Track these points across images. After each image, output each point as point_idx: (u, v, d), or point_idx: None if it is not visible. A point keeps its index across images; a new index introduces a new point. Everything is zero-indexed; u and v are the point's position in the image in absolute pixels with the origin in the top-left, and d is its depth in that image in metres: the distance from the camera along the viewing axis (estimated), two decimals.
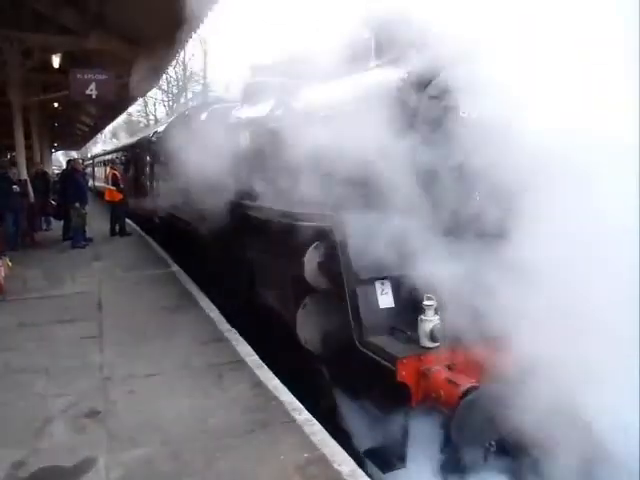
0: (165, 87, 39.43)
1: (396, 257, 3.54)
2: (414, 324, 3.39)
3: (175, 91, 40.70)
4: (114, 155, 22.47)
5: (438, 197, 3.76)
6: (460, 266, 3.35)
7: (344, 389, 4.18)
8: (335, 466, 3.25)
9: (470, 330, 3.19)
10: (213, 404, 4.17)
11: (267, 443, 3.56)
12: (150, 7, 10.13)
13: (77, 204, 12.20)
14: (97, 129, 37.23)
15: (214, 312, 6.60)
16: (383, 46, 4.58)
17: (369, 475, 3.29)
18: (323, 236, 4.06)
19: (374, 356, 3.40)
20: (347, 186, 4.11)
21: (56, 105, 19.85)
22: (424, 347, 3.32)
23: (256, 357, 5.04)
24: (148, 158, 13.17)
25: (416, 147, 3.67)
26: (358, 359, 3.55)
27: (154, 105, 43.66)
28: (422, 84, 3.82)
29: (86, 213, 12.82)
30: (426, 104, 3.80)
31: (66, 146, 46.65)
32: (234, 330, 5.83)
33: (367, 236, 3.65)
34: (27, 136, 15.62)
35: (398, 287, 3.66)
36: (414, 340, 3.38)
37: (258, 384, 4.45)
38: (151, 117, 43.56)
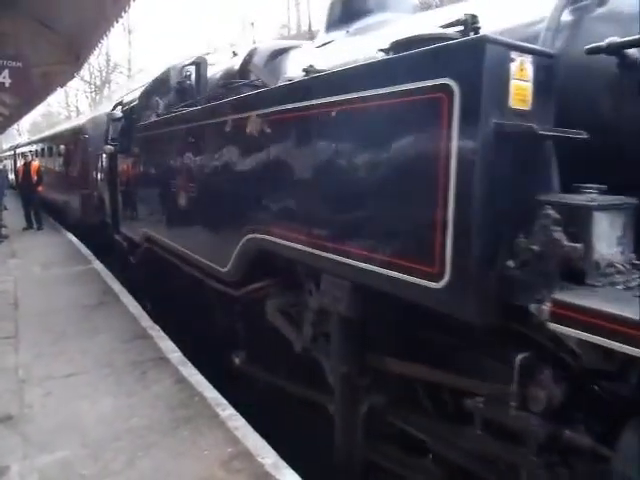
0: (87, 78, 38.04)
1: None
2: None
3: (98, 82, 39.33)
4: (44, 145, 20.27)
5: None
6: None
7: None
8: (259, 459, 3.26)
9: None
10: (136, 402, 4.09)
11: (191, 439, 3.54)
12: None
13: None
14: (13, 119, 35.37)
15: (137, 309, 6.47)
16: None
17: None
18: None
19: None
20: None
21: None
22: None
23: (179, 353, 4.98)
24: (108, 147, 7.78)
25: None
26: None
27: (75, 96, 42.10)
28: None
29: (1, 210, 12.21)
30: None
31: None
32: (157, 327, 5.73)
33: None
34: None
35: None
36: None
37: (182, 380, 4.40)
38: (72, 108, 41.97)
